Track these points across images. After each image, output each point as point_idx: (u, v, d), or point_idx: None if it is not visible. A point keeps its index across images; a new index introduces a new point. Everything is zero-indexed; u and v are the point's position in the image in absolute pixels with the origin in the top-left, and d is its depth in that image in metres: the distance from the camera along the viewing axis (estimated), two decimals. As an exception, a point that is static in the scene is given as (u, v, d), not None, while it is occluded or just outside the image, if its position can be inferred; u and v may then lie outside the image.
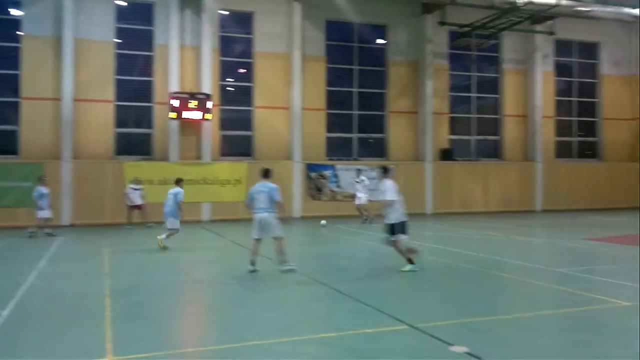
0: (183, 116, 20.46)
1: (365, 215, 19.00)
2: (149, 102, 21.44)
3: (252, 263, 9.85)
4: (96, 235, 16.51)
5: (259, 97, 22.72)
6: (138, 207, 18.62)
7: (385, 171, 10.42)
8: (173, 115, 20.46)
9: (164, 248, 12.84)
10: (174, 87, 20.78)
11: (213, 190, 21.16)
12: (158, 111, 21.28)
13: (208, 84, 21.23)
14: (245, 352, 5.42)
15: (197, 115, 20.55)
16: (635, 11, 23.35)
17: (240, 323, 6.55)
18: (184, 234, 15.92)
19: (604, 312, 6.91)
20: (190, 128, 21.29)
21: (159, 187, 20.58)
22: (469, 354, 5.21)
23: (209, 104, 20.76)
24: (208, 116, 20.77)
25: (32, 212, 16.27)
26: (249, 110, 22.81)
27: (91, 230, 17.87)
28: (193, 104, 20.44)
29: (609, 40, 27.63)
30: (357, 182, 19.69)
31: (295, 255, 12.93)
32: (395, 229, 9.77)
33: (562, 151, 27.34)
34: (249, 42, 22.85)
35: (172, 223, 13.30)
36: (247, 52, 22.87)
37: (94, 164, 19.89)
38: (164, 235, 13.10)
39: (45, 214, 15.91)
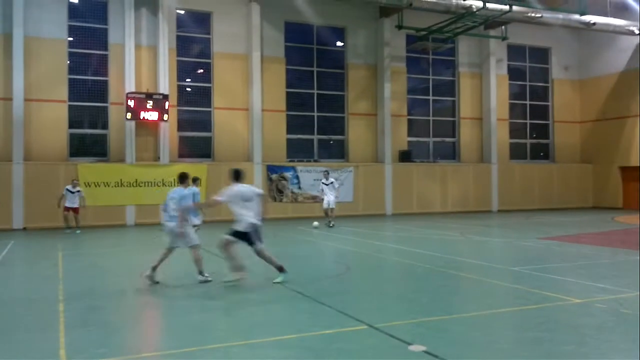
0: (140, 117, 20.08)
1: (331, 218, 18.73)
2: (104, 102, 20.95)
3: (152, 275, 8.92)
4: (50, 239, 16.00)
5: (218, 98, 22.51)
6: (74, 210, 17.68)
7: (236, 175, 8.96)
8: (129, 115, 20.06)
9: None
10: (130, 87, 20.37)
11: (171, 193, 20.78)
12: (114, 111, 20.81)
13: (165, 84, 20.89)
14: (203, 356, 5.35)
15: (154, 115, 20.20)
16: (583, 18, 24.18)
17: (198, 326, 6.46)
18: (142, 236, 15.65)
19: (557, 310, 7.11)
20: (147, 129, 20.91)
21: (115, 190, 20.20)
22: (427, 352, 5.29)
23: (167, 105, 20.44)
24: (165, 117, 20.44)
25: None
26: (208, 111, 22.57)
27: (45, 234, 17.30)
28: (150, 104, 20.10)
29: (559, 46, 28.60)
30: (325, 184, 18.98)
31: (252, 256, 12.87)
32: (248, 237, 8.75)
33: (516, 153, 28.12)
34: (207, 42, 22.62)
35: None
36: (206, 53, 22.63)
37: (46, 165, 19.29)
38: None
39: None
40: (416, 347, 5.42)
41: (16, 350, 5.62)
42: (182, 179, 9.48)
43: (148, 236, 15.84)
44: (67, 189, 17.68)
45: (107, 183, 19.82)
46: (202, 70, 22.75)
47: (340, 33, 24.90)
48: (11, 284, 9.65)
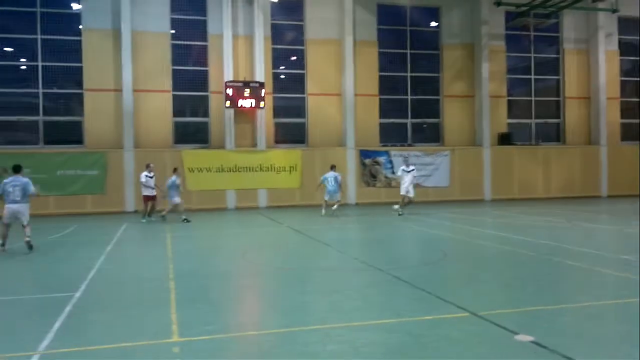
0: (238, 104, 20.76)
1: (404, 206, 17.56)
2: (205, 91, 21.84)
3: (2, 244, 10.87)
4: (158, 223, 16.92)
5: (311, 84, 22.75)
6: (152, 198, 16.72)
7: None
8: (228, 103, 20.79)
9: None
10: (229, 76, 21.07)
11: (269, 177, 21.43)
12: (214, 100, 21.66)
13: (261, 72, 21.41)
14: (305, 336, 5.47)
15: (251, 103, 20.80)
16: None
17: (299, 307, 6.62)
18: (244, 220, 16.23)
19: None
20: (245, 116, 21.58)
21: (216, 175, 21.09)
22: (534, 342, 5.07)
23: (263, 92, 20.95)
24: (262, 104, 20.98)
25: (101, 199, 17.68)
26: (302, 98, 22.88)
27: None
28: (247, 92, 20.70)
29: (680, 15, 26.01)
30: (406, 171, 17.64)
31: (351, 241, 12.97)
32: None
33: (628, 134, 26.06)
34: (300, 29, 22.87)
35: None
36: (299, 39, 22.90)
37: (154, 152, 20.48)
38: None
39: (176, 200, 16.46)
40: (523, 337, 5.22)
41: (131, 325, 6.04)
42: (16, 169, 11.11)
43: (249, 219, 16.40)
44: (147, 175, 16.65)
45: (209, 168, 20.73)
46: (295, 57, 23.07)
47: (434, 13, 24.23)
48: (126, 264, 10.37)
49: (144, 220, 16.47)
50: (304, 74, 22.86)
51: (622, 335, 5.52)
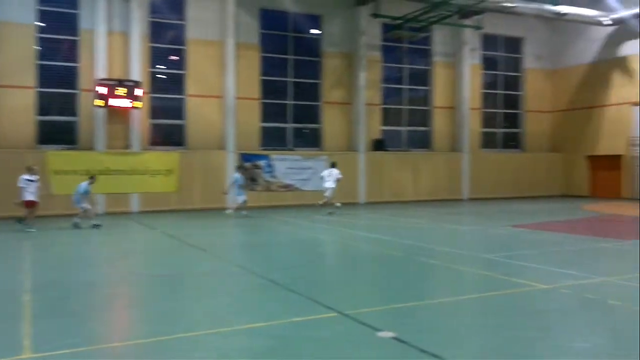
0: (110, 104, 19.75)
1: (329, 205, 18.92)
2: (74, 88, 20.52)
3: None
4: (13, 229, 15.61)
5: (192, 85, 22.25)
6: (32, 203, 14.87)
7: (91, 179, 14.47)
8: (100, 102, 19.70)
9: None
10: (101, 73, 19.98)
11: (143, 181, 20.55)
12: (84, 98, 20.39)
13: (137, 70, 20.54)
14: (172, 345, 5.34)
15: (125, 102, 19.88)
16: (555, 8, 24.48)
17: (169, 315, 6.44)
18: (114, 226, 15.47)
19: (523, 296, 7.27)
20: (118, 116, 20.56)
21: (84, 178, 19.82)
22: (395, 338, 5.36)
23: (138, 92, 20.13)
24: (137, 104, 20.13)
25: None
26: (181, 99, 22.29)
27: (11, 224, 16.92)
28: (121, 91, 19.75)
29: (532, 36, 28.94)
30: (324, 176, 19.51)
31: (228, 245, 12.86)
32: None
33: (488, 142, 28.47)
34: (180, 29, 22.27)
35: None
36: (179, 39, 22.29)
37: (14, 153, 18.81)
38: None
39: (85, 206, 15.15)
40: (385, 334, 5.50)
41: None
42: None
43: (119, 224, 15.64)
44: (26, 179, 14.91)
45: (76, 171, 19.43)
46: (175, 57, 22.44)
47: (316, 21, 24.77)
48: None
49: (33, 230, 14.45)
50: (183, 74, 22.28)
51: (476, 328, 6.02)
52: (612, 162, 26.46)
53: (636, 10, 24.42)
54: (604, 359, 4.95)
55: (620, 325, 5.90)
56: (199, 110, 22.25)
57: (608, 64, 26.63)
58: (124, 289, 8.31)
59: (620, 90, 26.15)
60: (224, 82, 22.28)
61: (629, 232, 14.61)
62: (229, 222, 17.13)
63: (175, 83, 22.30)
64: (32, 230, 14.47)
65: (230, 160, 21.99)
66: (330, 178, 19.19)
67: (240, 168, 18.96)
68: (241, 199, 18.49)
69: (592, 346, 5.21)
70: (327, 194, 19.02)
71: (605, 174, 26.89)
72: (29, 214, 14.88)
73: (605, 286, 7.65)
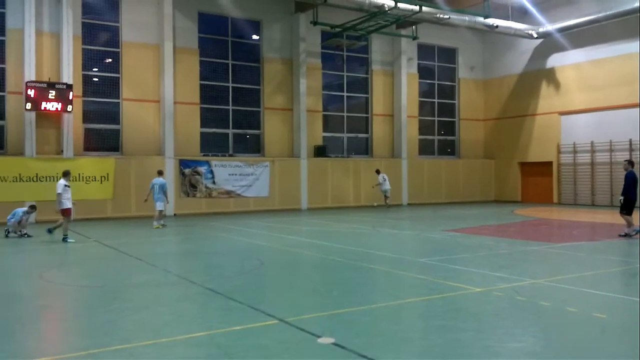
0: (41, 107, 18.92)
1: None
2: (1, 91, 19.53)
3: None
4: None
5: (127, 89, 21.66)
6: (69, 211, 14.20)
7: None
8: (29, 106, 18.84)
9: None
10: (30, 75, 19.13)
11: (76, 188, 19.70)
12: (12, 101, 19.48)
13: (69, 73, 19.82)
14: (107, 358, 5.15)
15: (57, 106, 19.10)
16: (487, 20, 25.50)
17: (103, 327, 6.21)
18: (44, 235, 14.78)
19: (459, 298, 7.49)
20: (49, 120, 19.74)
21: (12, 185, 18.95)
22: (335, 344, 5.39)
23: (71, 95, 19.40)
24: (69, 108, 19.39)
25: None
26: (117, 103, 21.67)
27: None
28: (52, 94, 18.99)
29: (465, 47, 30.02)
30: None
31: (166, 254, 12.55)
32: None
33: (425, 149, 29.26)
34: (115, 31, 21.68)
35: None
36: (114, 41, 21.68)
37: None
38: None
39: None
40: (325, 340, 5.52)
41: None
42: None
43: (54, 234, 14.95)
44: (65, 185, 14.06)
45: (4, 178, 18.51)
46: (110, 60, 21.78)
47: (255, 26, 24.70)
48: None
49: (72, 240, 13.81)
50: (118, 77, 21.67)
51: (415, 331, 6.14)
52: (543, 169, 27.78)
53: (561, 24, 25.79)
54: (534, 358, 5.16)
55: (549, 325, 6.18)
56: (135, 115, 21.69)
57: (536, 75, 27.98)
58: (56, 301, 7.95)
59: (548, 100, 27.52)
60: (162, 87, 21.84)
61: (557, 236, 15.38)
62: (166, 231, 16.73)
63: (109, 86, 21.67)
64: (72, 240, 13.86)
65: (169, 166, 21.55)
66: (385, 182, 24.02)
67: (160, 173, 17.70)
68: (158, 206, 17.02)
69: (524, 346, 5.42)
70: (388, 194, 24.03)
71: (537, 180, 28.19)
72: (66, 223, 14.03)
73: (536, 288, 7.99)
